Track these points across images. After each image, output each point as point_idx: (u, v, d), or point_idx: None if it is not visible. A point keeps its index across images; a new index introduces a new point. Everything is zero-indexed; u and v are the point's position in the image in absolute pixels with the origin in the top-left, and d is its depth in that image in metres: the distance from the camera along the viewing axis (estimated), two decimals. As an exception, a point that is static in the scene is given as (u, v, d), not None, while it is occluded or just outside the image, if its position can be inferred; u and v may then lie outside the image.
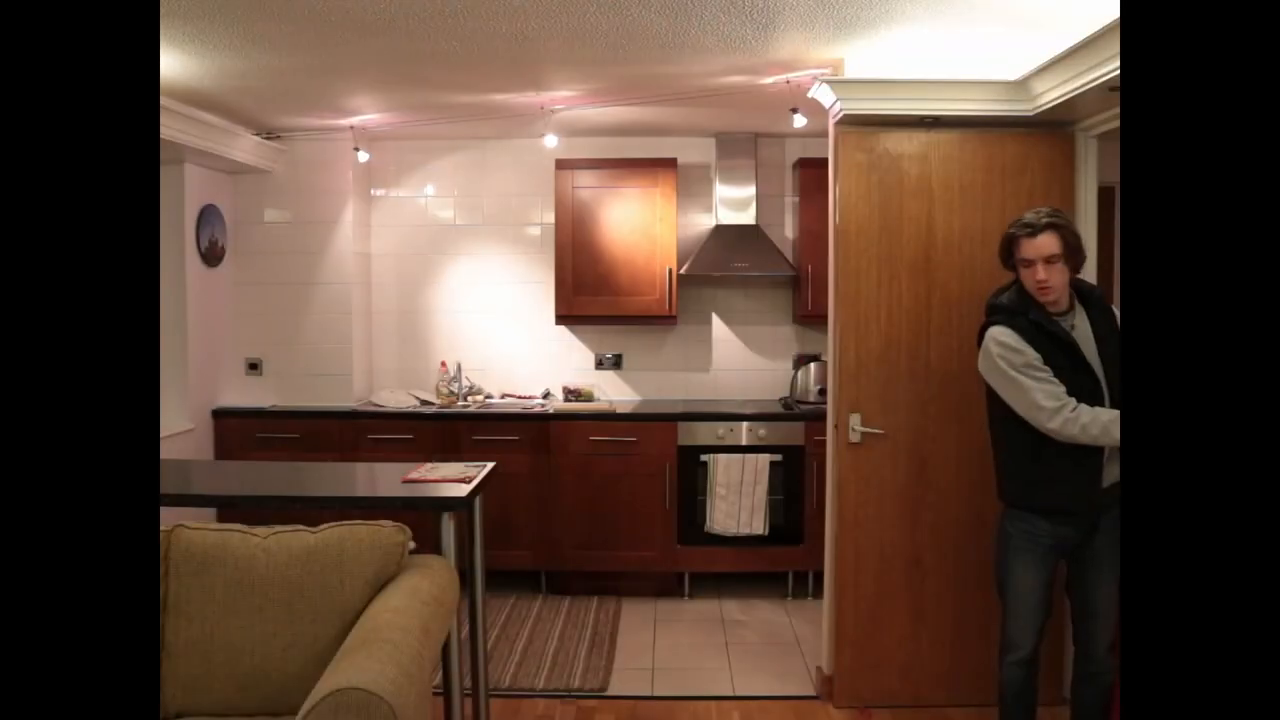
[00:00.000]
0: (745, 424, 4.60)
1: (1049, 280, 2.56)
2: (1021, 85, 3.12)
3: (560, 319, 4.91)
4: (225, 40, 3.18)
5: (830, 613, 3.46)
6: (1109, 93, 2.83)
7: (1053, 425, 2.54)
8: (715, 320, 5.21)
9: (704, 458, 4.54)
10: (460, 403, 4.93)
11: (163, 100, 3.77)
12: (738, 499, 4.50)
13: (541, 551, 4.64)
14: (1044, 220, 2.57)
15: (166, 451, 4.23)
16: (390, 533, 2.45)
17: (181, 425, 4.54)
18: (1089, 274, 3.33)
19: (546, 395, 5.12)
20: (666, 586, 4.69)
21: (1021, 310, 2.62)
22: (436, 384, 5.03)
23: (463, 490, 2.93)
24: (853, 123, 3.29)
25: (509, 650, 3.95)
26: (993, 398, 2.71)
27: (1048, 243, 2.54)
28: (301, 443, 4.70)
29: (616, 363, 5.19)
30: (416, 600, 2.31)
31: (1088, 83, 2.77)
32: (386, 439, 4.68)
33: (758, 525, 4.51)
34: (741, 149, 4.97)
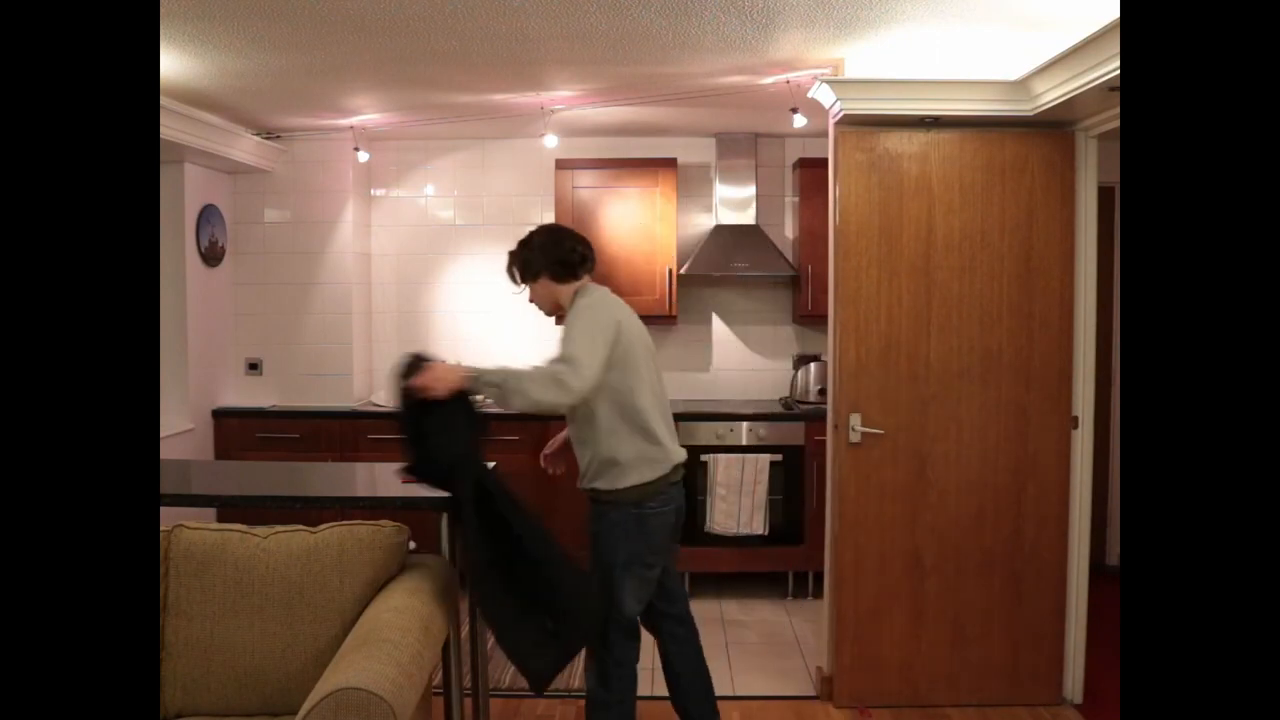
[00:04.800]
0: (745, 424, 4.60)
1: (532, 300, 2.82)
2: (1021, 85, 3.12)
3: (560, 319, 4.91)
4: (225, 40, 3.18)
5: (830, 613, 3.46)
6: (1109, 93, 2.83)
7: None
8: (715, 320, 5.21)
9: (704, 458, 4.54)
10: (460, 403, 4.92)
11: (163, 100, 3.77)
12: (738, 499, 4.50)
13: (541, 551, 4.64)
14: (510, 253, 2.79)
15: (166, 451, 4.23)
16: (390, 533, 2.45)
17: (181, 425, 4.54)
18: (1088, 274, 3.33)
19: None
20: (666, 586, 4.68)
21: None
22: (436, 384, 5.03)
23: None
24: (853, 123, 3.29)
25: (509, 650, 3.94)
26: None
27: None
28: (301, 443, 4.70)
29: (616, 363, 5.19)
30: (416, 600, 2.31)
31: (1088, 83, 2.77)
32: (386, 439, 4.67)
33: (758, 525, 4.51)
34: (741, 149, 4.97)
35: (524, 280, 2.79)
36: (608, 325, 2.61)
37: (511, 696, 3.50)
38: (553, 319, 3.16)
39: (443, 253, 5.24)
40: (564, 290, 2.76)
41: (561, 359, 2.53)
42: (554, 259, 2.73)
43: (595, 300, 2.71)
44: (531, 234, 2.80)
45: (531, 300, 2.83)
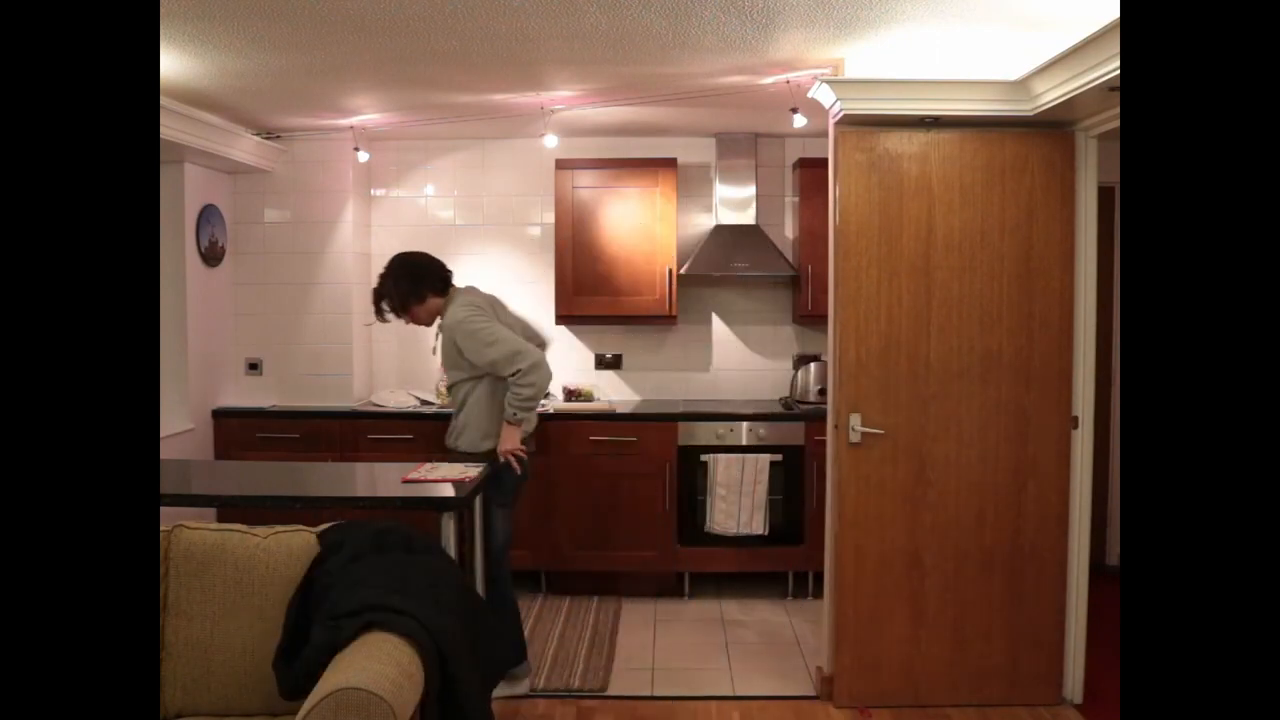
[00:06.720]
0: (745, 424, 4.60)
1: (413, 320, 3.60)
2: (1021, 85, 3.12)
3: (560, 319, 4.91)
4: (225, 40, 3.18)
5: (830, 613, 3.46)
6: (1109, 93, 2.83)
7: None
8: (715, 320, 5.21)
9: (704, 458, 4.54)
10: (460, 403, 4.92)
11: (163, 100, 3.77)
12: (738, 499, 4.50)
13: (541, 551, 4.64)
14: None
15: (166, 451, 4.23)
16: (390, 533, 2.45)
17: (181, 425, 4.54)
18: (1088, 274, 3.33)
19: (547, 395, 5.11)
20: (666, 586, 4.69)
21: None
22: (436, 384, 5.03)
23: (463, 490, 2.93)
24: (853, 123, 3.29)
25: (509, 650, 3.94)
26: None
27: None
28: (301, 443, 4.70)
29: (616, 363, 5.19)
30: (416, 600, 2.30)
31: (1088, 83, 2.77)
32: (386, 439, 4.68)
33: (758, 525, 4.51)
34: (741, 149, 4.97)
35: (409, 306, 3.50)
36: (491, 323, 3.42)
37: (511, 696, 3.50)
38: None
39: (443, 253, 5.15)
40: (439, 301, 3.52)
41: (509, 362, 3.34)
42: (437, 277, 3.54)
43: (470, 310, 3.43)
44: (394, 268, 3.53)
45: (413, 320, 3.57)
